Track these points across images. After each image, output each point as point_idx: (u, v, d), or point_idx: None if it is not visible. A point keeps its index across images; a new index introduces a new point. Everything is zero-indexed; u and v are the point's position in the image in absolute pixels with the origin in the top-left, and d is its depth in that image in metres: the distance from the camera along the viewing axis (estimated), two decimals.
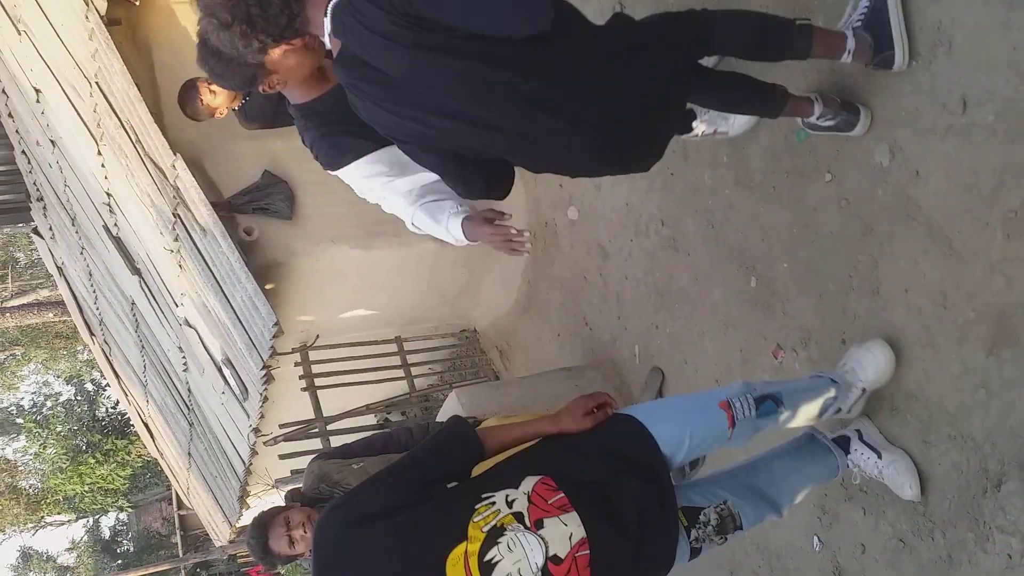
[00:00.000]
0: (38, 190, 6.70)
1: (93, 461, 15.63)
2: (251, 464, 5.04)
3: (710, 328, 3.10)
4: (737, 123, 2.68)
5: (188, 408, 5.89)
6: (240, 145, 4.15)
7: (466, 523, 1.59)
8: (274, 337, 3.85)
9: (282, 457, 4.47)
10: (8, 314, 15.48)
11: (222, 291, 4.01)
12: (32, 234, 7.79)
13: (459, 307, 5.31)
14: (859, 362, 2.24)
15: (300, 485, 2.84)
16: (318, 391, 4.70)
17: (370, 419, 5.21)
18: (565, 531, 1.62)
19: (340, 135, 2.06)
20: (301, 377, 4.80)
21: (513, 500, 1.65)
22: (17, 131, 6.16)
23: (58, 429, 16.76)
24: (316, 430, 4.56)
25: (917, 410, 2.23)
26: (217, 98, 3.36)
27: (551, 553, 1.59)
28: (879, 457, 2.25)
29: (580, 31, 1.81)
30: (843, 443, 2.30)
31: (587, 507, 1.66)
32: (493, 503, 1.64)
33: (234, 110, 3.51)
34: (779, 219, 2.64)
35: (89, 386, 18.01)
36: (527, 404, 3.51)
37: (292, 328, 4.46)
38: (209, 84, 3.35)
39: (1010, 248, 1.92)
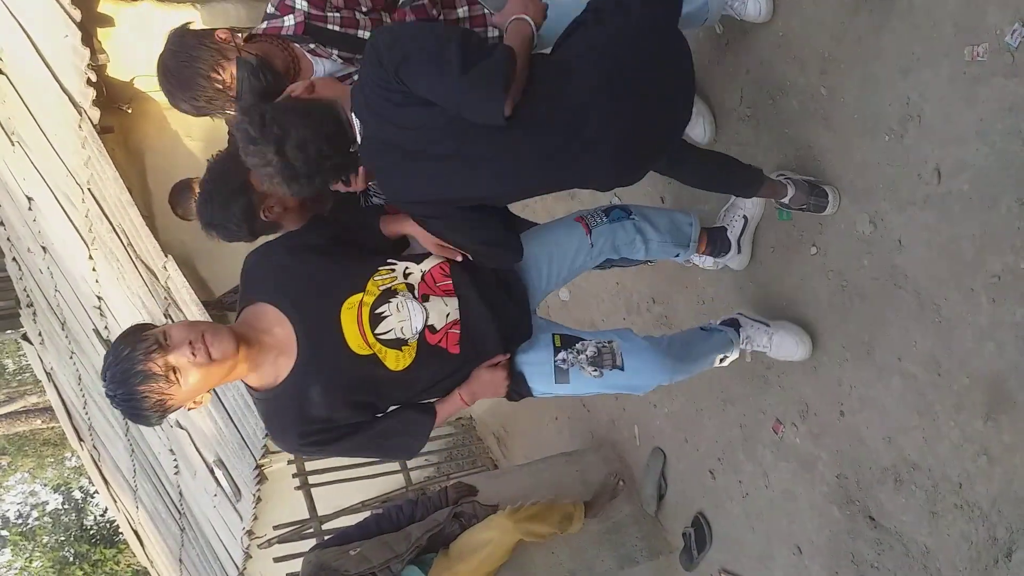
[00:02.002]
0: (28, 296, 6.72)
1: (81, 573, 15.11)
2: (245, 569, 4.89)
3: (708, 405, 3.08)
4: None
5: (179, 513, 5.75)
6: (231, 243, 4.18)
7: (367, 278, 1.87)
8: (266, 436, 3.80)
9: (277, 560, 4.33)
10: None
11: (213, 390, 3.97)
12: (21, 340, 7.76)
13: None
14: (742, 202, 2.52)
15: None
16: (312, 489, 4.60)
17: (366, 515, 5.09)
18: (444, 310, 1.91)
19: None
20: (294, 475, 4.71)
21: (410, 273, 1.93)
22: (8, 239, 6.22)
23: (45, 540, 16.25)
24: (311, 530, 4.44)
25: (921, 480, 2.20)
26: None
27: (429, 323, 1.88)
28: (767, 326, 2.47)
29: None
30: (732, 323, 2.50)
31: (465, 298, 1.94)
32: (393, 270, 1.91)
33: None
34: (767, 293, 2.67)
35: (77, 494, 17.57)
36: (528, 493, 3.45)
37: None
38: None
39: (997, 313, 1.94)
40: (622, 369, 2.07)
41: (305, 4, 1.98)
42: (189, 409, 1.75)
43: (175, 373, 1.62)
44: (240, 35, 2.05)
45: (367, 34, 2.03)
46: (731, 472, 3.00)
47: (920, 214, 2.09)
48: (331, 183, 1.80)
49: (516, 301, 2.07)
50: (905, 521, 2.27)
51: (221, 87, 1.98)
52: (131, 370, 1.60)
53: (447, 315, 1.92)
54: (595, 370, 2.04)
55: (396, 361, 1.86)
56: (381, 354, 1.84)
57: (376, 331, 1.84)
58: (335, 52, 2.07)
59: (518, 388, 2.08)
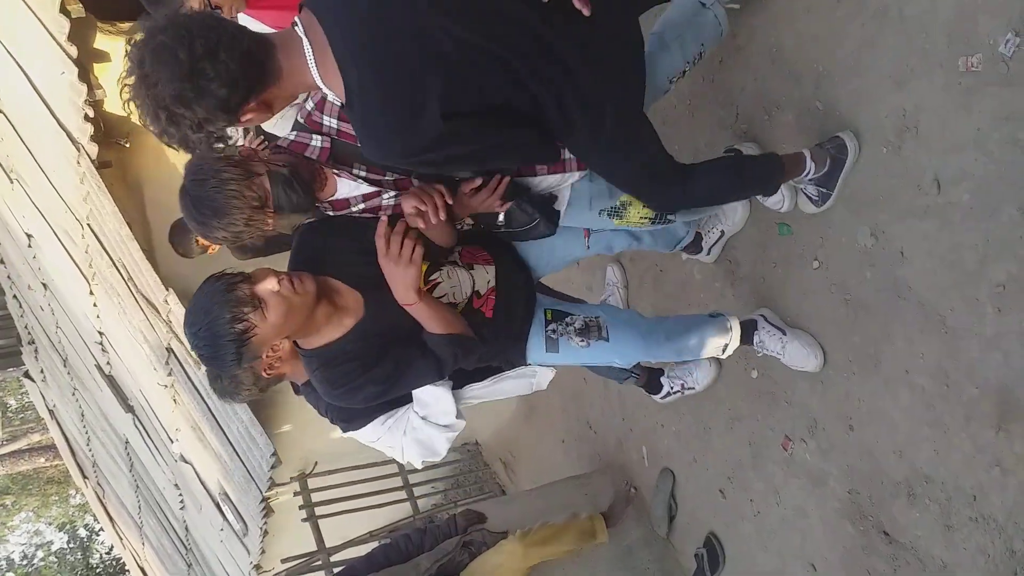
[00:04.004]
0: (29, 333, 6.71)
1: None
2: None
3: (716, 423, 3.06)
4: (700, 376, 3.00)
5: (186, 548, 5.70)
6: None
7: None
8: (272, 468, 3.78)
9: None
10: None
11: (218, 424, 3.96)
12: (23, 378, 7.74)
13: None
14: (724, 212, 2.64)
15: None
16: (319, 521, 4.57)
17: (374, 547, 5.05)
18: (486, 276, 2.06)
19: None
20: (301, 507, 4.68)
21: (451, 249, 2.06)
22: (9, 276, 6.23)
23: None
24: (319, 562, 4.40)
25: (935, 493, 2.18)
26: None
27: (476, 287, 2.03)
28: (783, 334, 2.49)
29: None
30: (749, 325, 2.51)
31: (502, 267, 2.10)
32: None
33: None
34: (771, 308, 2.66)
35: (82, 532, 17.45)
36: (537, 517, 3.42)
37: (290, 456, 4.38)
38: None
39: (1002, 322, 1.92)
40: (607, 340, 2.19)
41: (335, 122, 1.83)
42: (266, 356, 1.79)
43: (262, 303, 1.63)
44: (260, 143, 1.91)
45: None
46: (741, 491, 2.97)
47: (921, 225, 2.08)
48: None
49: (524, 272, 2.24)
50: (920, 536, 2.24)
51: (258, 204, 1.75)
52: (217, 297, 1.59)
53: (488, 282, 2.07)
54: (582, 340, 2.16)
55: None
56: None
57: (433, 290, 1.95)
58: (359, 170, 1.90)
59: (516, 356, 2.20)
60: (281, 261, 4.14)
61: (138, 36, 1.42)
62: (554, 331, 2.16)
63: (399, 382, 1.92)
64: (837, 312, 2.39)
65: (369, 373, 1.86)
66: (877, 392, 2.30)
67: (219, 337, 1.60)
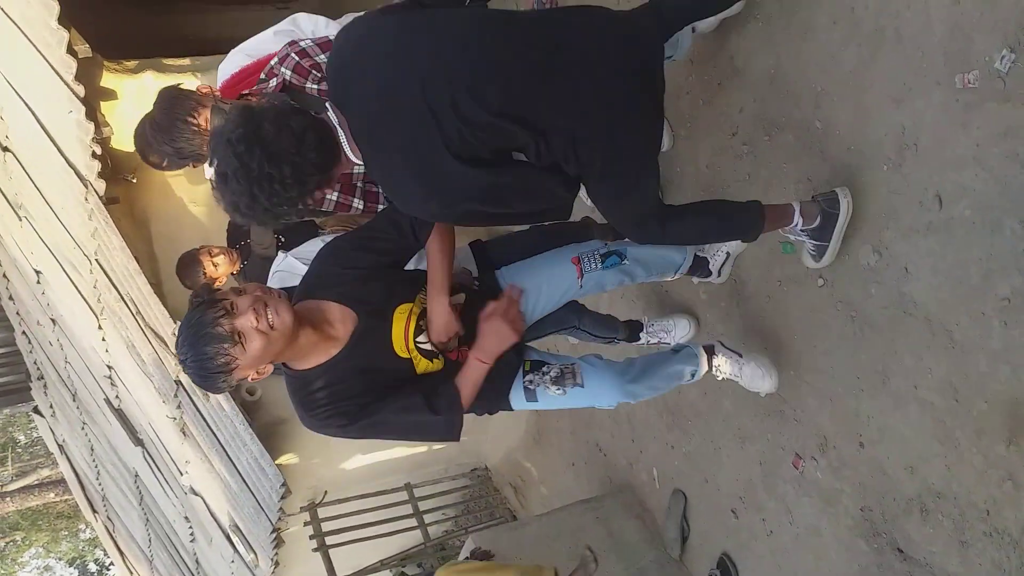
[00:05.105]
0: (38, 369, 6.73)
1: None
2: None
3: (726, 442, 3.05)
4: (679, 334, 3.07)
5: None
6: None
7: (416, 292, 2.07)
8: (282, 499, 3.77)
9: None
10: (8, 498, 15.12)
11: (227, 455, 3.96)
12: (32, 413, 7.75)
13: (468, 444, 5.24)
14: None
15: None
16: (330, 550, 4.55)
17: (385, 575, 5.02)
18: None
19: None
20: (311, 537, 4.66)
21: None
22: (18, 312, 6.26)
23: None
24: None
25: (948, 509, 2.17)
26: (219, 268, 3.45)
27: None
28: (740, 356, 2.56)
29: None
30: (709, 349, 2.55)
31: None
32: None
33: (233, 275, 3.58)
34: (777, 326, 2.66)
35: (92, 567, 17.36)
36: (549, 544, 3.40)
37: (300, 485, 4.37)
38: (211, 256, 3.44)
39: (1009, 336, 1.93)
40: (583, 386, 2.24)
41: (288, 73, 2.10)
42: (253, 379, 1.85)
43: (241, 338, 1.73)
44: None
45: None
46: (754, 510, 2.95)
47: (924, 241, 2.09)
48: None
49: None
50: (934, 552, 2.23)
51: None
52: (200, 332, 1.72)
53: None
54: (558, 388, 2.22)
55: (425, 368, 2.04)
56: (415, 360, 2.02)
57: (417, 340, 2.02)
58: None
59: (497, 405, 2.23)
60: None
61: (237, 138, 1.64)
62: (531, 382, 2.21)
63: (370, 424, 1.97)
64: (844, 329, 2.39)
65: (338, 404, 1.93)
66: (886, 408, 2.30)
67: (205, 369, 1.75)
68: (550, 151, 1.82)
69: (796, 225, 2.26)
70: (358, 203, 2.28)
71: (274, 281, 2.48)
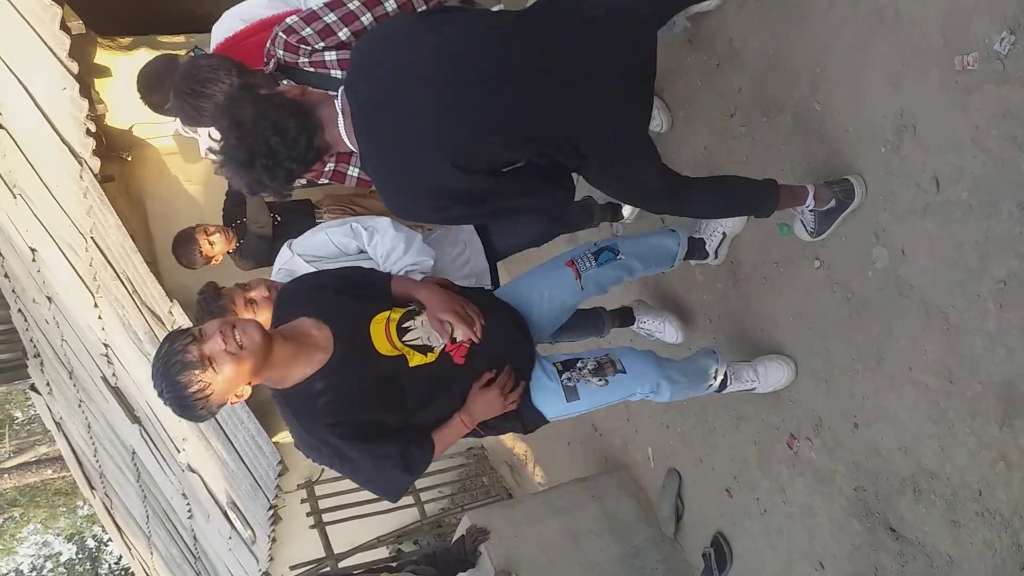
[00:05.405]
0: (35, 346, 6.73)
1: None
2: None
3: (721, 423, 3.07)
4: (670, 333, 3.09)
5: (195, 557, 5.71)
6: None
7: (390, 306, 2.05)
8: (279, 476, 3.79)
9: None
10: (6, 475, 15.18)
11: (224, 433, 3.97)
12: (29, 391, 7.76)
13: None
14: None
15: None
16: (327, 527, 4.58)
17: (382, 552, 5.06)
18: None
19: None
20: (308, 514, 4.69)
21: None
22: (13, 290, 6.25)
23: None
24: (327, 569, 4.42)
25: (940, 489, 2.19)
26: (215, 247, 3.44)
27: (453, 335, 2.03)
28: (749, 363, 2.62)
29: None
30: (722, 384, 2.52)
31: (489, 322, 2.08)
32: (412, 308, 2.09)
33: (229, 253, 3.57)
34: (773, 308, 2.67)
35: (91, 543, 17.47)
36: (544, 522, 3.43)
37: (296, 463, 4.38)
38: (207, 234, 3.43)
39: (1005, 318, 1.94)
40: (624, 372, 2.21)
41: (281, 52, 2.12)
42: (232, 403, 1.83)
43: (211, 362, 1.72)
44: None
45: (338, 74, 2.13)
46: (748, 490, 2.98)
47: (921, 223, 2.09)
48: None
49: (519, 325, 2.21)
50: (927, 531, 2.26)
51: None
52: (171, 361, 1.72)
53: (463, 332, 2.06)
54: (599, 379, 2.17)
55: (419, 362, 2.00)
56: (408, 354, 1.98)
57: (404, 339, 1.99)
58: None
59: (531, 418, 2.17)
60: None
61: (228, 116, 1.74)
62: (569, 379, 2.16)
63: (358, 469, 1.97)
64: (840, 311, 2.40)
65: (338, 418, 1.89)
66: (881, 390, 2.31)
67: (181, 398, 1.73)
68: (550, 152, 1.84)
69: (808, 206, 2.27)
70: (353, 172, 2.29)
71: (279, 278, 2.48)
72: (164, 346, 1.75)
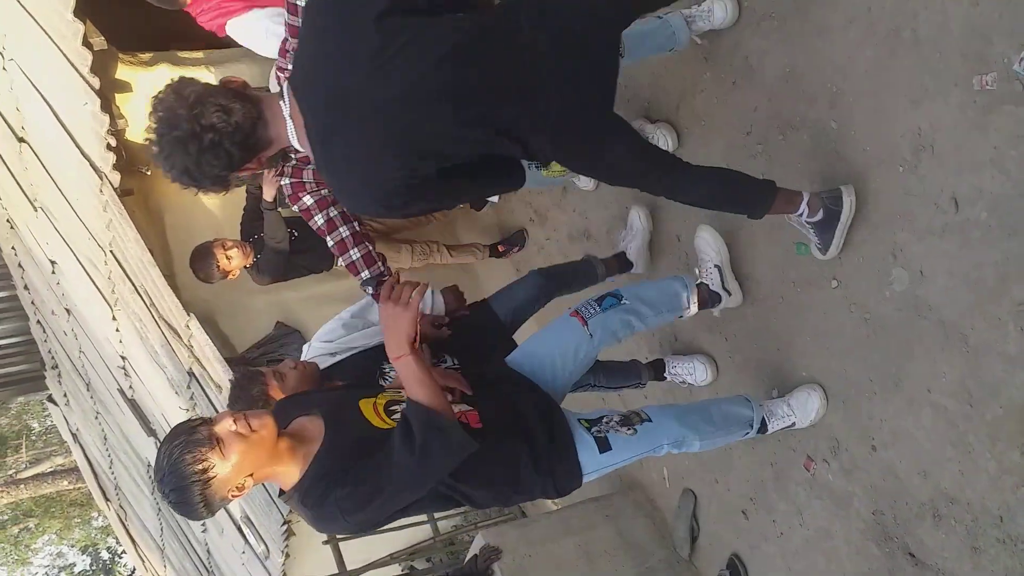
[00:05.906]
0: (53, 358, 6.78)
1: None
2: None
3: (737, 444, 3.03)
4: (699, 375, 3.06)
5: (208, 571, 5.71)
6: (252, 299, 4.22)
7: (377, 391, 2.07)
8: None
9: None
10: (23, 485, 15.29)
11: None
12: (47, 402, 7.82)
13: None
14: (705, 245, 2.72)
15: None
16: (340, 543, 4.57)
17: (395, 569, 5.04)
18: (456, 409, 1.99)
19: None
20: None
21: None
22: (33, 302, 6.31)
23: None
24: None
25: (960, 515, 2.15)
26: (233, 261, 3.46)
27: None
28: (782, 399, 2.60)
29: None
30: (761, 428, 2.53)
31: (486, 410, 2.06)
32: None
33: (246, 268, 3.59)
34: (791, 329, 2.65)
35: (105, 554, 17.53)
36: (558, 541, 3.40)
37: None
38: (225, 248, 3.45)
39: None
40: (650, 420, 2.24)
41: (282, 60, 2.22)
42: (232, 496, 1.76)
43: (219, 443, 1.69)
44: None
45: None
46: (764, 512, 2.94)
47: (940, 243, 2.07)
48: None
49: (517, 381, 2.27)
50: (947, 557, 2.22)
51: None
52: (176, 440, 1.69)
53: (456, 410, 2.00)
54: (628, 429, 2.19)
55: None
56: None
57: (392, 417, 1.96)
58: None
59: (567, 472, 2.13)
60: (298, 286, 4.14)
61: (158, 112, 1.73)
62: (599, 430, 2.16)
63: (379, 484, 1.80)
64: (857, 331, 2.37)
65: (343, 482, 1.79)
66: (899, 412, 2.28)
67: (182, 479, 1.67)
68: (517, 148, 1.84)
69: (801, 215, 2.25)
70: (308, 199, 2.40)
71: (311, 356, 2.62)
72: (173, 431, 1.73)
